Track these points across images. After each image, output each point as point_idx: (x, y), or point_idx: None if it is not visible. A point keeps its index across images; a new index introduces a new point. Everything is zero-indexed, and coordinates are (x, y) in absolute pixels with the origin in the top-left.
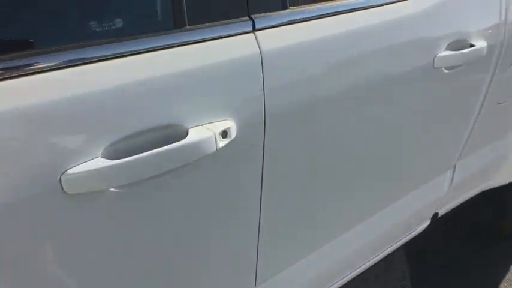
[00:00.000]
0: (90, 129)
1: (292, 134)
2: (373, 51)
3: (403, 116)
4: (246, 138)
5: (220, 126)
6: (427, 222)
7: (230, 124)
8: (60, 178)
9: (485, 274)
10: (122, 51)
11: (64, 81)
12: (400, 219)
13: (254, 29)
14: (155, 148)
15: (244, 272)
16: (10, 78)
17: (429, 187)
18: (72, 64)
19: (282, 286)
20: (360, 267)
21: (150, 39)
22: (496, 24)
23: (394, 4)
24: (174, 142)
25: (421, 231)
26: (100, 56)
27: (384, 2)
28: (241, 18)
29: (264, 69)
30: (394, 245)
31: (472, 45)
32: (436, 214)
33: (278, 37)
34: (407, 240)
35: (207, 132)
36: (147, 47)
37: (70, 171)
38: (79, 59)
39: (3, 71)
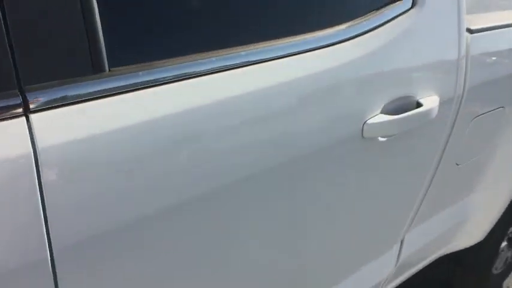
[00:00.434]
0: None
1: None
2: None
3: (328, 194)
4: None
5: None
6: None
7: None
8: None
9: None
10: None
11: None
12: None
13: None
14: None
15: None
16: None
17: (370, 268)
18: None
19: None
20: None
21: None
22: (453, 75)
23: (306, 54)
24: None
25: None
26: None
27: (294, 51)
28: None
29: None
30: None
31: (419, 105)
32: None
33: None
34: None
35: None
36: None
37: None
38: None
39: None
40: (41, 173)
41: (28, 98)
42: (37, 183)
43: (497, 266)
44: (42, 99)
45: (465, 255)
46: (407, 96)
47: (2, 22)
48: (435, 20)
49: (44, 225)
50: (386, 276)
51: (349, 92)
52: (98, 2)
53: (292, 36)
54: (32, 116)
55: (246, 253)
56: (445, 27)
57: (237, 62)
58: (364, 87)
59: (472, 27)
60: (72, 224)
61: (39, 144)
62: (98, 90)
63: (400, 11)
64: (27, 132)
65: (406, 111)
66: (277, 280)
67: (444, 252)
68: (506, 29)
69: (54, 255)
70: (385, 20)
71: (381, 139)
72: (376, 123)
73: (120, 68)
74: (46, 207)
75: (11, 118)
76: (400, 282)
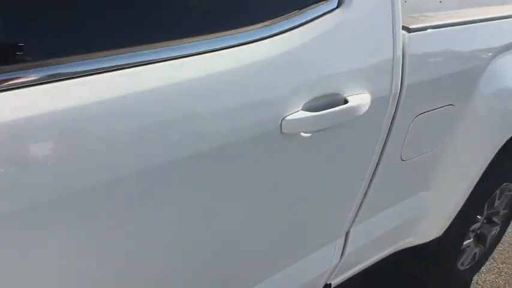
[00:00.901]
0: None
1: None
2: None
3: (252, 187)
4: None
5: None
6: None
7: None
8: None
9: None
10: None
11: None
12: None
13: None
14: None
15: None
16: None
17: (310, 260)
18: None
19: None
20: None
21: None
22: (387, 74)
23: (227, 50)
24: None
25: None
26: None
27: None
28: None
29: None
30: None
31: (346, 102)
32: (328, 285)
33: None
34: None
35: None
36: None
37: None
38: None
39: None
40: None
41: None
42: None
43: (464, 262)
44: None
45: (426, 251)
46: (335, 93)
47: None
48: (365, 19)
49: None
50: (332, 268)
51: (266, 89)
52: None
53: (209, 34)
54: None
55: (177, 248)
56: (377, 26)
57: (153, 58)
58: (282, 85)
59: (410, 26)
60: None
61: None
62: None
63: (324, 11)
64: None
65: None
66: (209, 273)
67: (399, 247)
68: (446, 28)
69: None
70: (308, 19)
71: (304, 134)
72: (295, 119)
73: None
74: None
75: None
76: (352, 274)
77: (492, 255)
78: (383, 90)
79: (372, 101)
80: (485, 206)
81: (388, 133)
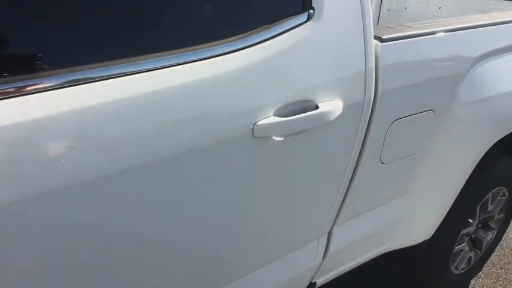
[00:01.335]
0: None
1: None
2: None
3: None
4: None
5: None
6: None
7: None
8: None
9: None
10: None
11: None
12: None
13: None
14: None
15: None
16: None
17: (290, 259)
18: None
19: None
20: None
21: None
22: (360, 81)
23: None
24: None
25: None
26: None
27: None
28: None
29: None
30: None
31: (317, 107)
32: (313, 284)
33: None
34: None
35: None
36: None
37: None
38: None
39: None
40: None
41: None
42: None
43: (458, 266)
44: None
45: (415, 254)
46: (306, 100)
47: None
48: (334, 31)
49: None
50: (316, 267)
51: (238, 96)
52: None
53: (188, 47)
54: None
55: (154, 249)
56: (347, 37)
57: (139, 68)
58: (254, 92)
59: (383, 37)
60: None
61: None
62: None
63: (294, 24)
64: None
65: None
66: (189, 271)
67: (385, 250)
68: (422, 37)
69: None
70: (277, 32)
71: (276, 138)
72: (265, 123)
73: None
74: None
75: None
76: (338, 274)
77: (491, 260)
78: (356, 97)
79: (345, 107)
80: (477, 210)
81: (365, 137)
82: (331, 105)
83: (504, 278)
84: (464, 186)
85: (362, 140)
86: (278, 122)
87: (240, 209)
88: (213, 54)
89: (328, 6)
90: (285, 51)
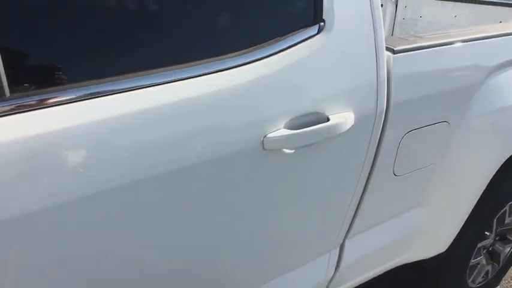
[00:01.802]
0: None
1: None
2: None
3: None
4: None
5: None
6: None
7: None
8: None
9: None
10: None
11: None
12: None
13: None
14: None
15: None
16: None
17: (302, 270)
18: None
19: None
20: None
21: None
22: (372, 93)
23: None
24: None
25: None
26: None
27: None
28: None
29: None
30: None
31: (328, 120)
32: None
33: None
34: None
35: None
36: None
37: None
38: None
39: None
40: None
41: None
42: None
43: (475, 280)
44: None
45: (430, 267)
46: (317, 112)
47: None
48: (346, 43)
49: None
50: (327, 280)
51: (249, 109)
52: None
53: (201, 60)
54: None
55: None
56: (359, 49)
57: (148, 82)
58: (265, 105)
59: (395, 48)
60: None
61: None
62: None
63: (305, 37)
64: None
65: None
66: (199, 282)
67: (399, 263)
68: (434, 48)
69: None
70: (288, 45)
71: (287, 151)
72: (276, 136)
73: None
74: None
75: None
76: (356, 285)
77: (509, 273)
78: (368, 109)
79: (357, 119)
80: (494, 223)
81: (377, 149)
82: (343, 117)
83: None
84: (480, 198)
85: (374, 152)
86: (289, 135)
87: (250, 222)
88: (225, 67)
89: (339, 19)
90: (295, 64)
